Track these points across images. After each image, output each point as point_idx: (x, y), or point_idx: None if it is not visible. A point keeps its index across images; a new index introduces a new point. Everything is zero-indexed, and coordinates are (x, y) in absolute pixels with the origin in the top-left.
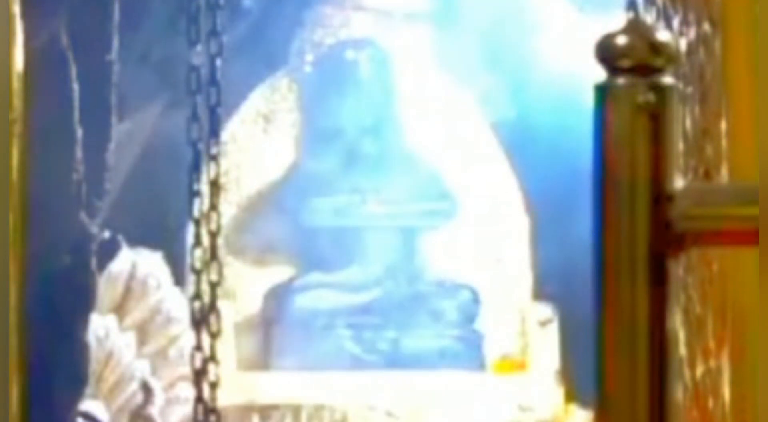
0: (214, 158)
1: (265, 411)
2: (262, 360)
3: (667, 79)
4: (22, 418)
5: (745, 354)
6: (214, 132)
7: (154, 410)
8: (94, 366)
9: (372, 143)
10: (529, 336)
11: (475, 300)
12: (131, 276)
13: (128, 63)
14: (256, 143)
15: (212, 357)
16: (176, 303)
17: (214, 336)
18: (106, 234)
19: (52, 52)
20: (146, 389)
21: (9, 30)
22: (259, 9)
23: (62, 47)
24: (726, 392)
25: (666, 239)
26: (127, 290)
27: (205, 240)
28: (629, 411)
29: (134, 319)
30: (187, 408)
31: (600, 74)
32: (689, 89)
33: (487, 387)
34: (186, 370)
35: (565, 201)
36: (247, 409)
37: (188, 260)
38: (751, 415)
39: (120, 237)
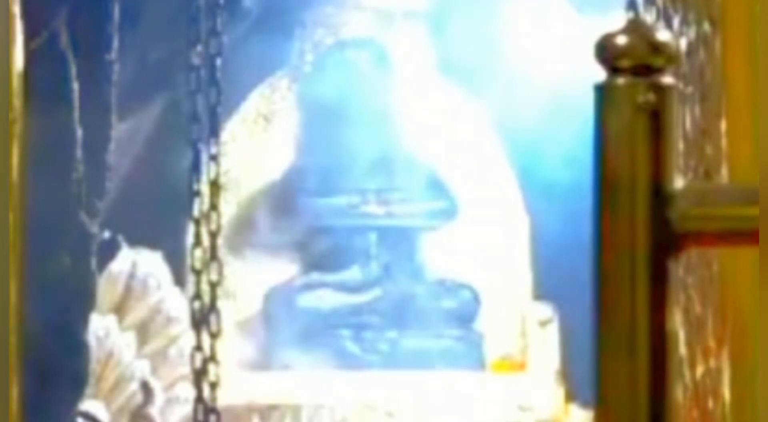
0: (214, 158)
1: (265, 411)
2: (262, 360)
3: (667, 79)
4: (22, 418)
5: (745, 354)
6: (214, 132)
7: (154, 410)
8: (94, 366)
9: (372, 143)
10: (529, 336)
11: (475, 300)
12: (131, 276)
13: (128, 63)
14: (256, 143)
15: (212, 357)
16: (176, 303)
17: (214, 336)
18: (106, 234)
19: (52, 52)
20: (146, 389)
21: (9, 30)
22: (259, 9)
23: (62, 47)
24: (726, 392)
25: (666, 239)
26: (127, 290)
27: (205, 240)
28: (629, 411)
29: (134, 319)
30: (187, 408)
31: (600, 74)
32: (689, 89)
33: (487, 387)
34: (186, 370)
35: (565, 201)
36: (247, 409)
37: (188, 260)
38: (751, 415)
39: (120, 237)
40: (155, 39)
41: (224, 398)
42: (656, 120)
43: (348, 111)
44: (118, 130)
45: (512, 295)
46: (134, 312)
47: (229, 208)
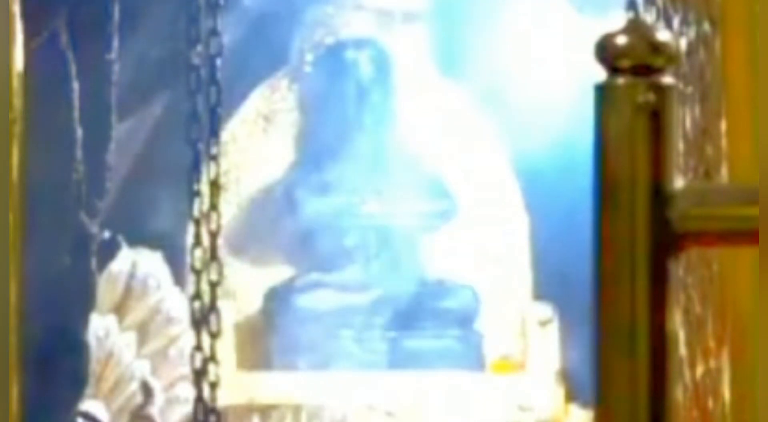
0: (214, 158)
1: (265, 411)
2: (262, 360)
3: (667, 79)
4: (22, 418)
5: (745, 354)
6: (214, 132)
7: (154, 410)
8: (94, 366)
9: (372, 143)
10: (529, 336)
11: (475, 300)
12: (131, 276)
13: (128, 63)
14: (256, 143)
15: (212, 357)
16: (176, 303)
17: (214, 336)
18: (106, 234)
19: (52, 52)
20: (146, 389)
21: (9, 30)
22: (259, 9)
23: (62, 47)
24: (726, 392)
25: (666, 239)
26: (127, 290)
27: (205, 240)
28: (629, 411)
29: (134, 319)
30: (187, 408)
31: (600, 74)
32: (689, 89)
33: (486, 387)
34: (186, 370)
35: (565, 200)
36: (247, 409)
37: (188, 260)
38: (751, 415)
39: (120, 237)
40: (155, 39)
41: (224, 398)
42: (656, 120)
43: (348, 111)
44: (118, 130)
45: (512, 295)
46: (134, 312)
47: (229, 208)
